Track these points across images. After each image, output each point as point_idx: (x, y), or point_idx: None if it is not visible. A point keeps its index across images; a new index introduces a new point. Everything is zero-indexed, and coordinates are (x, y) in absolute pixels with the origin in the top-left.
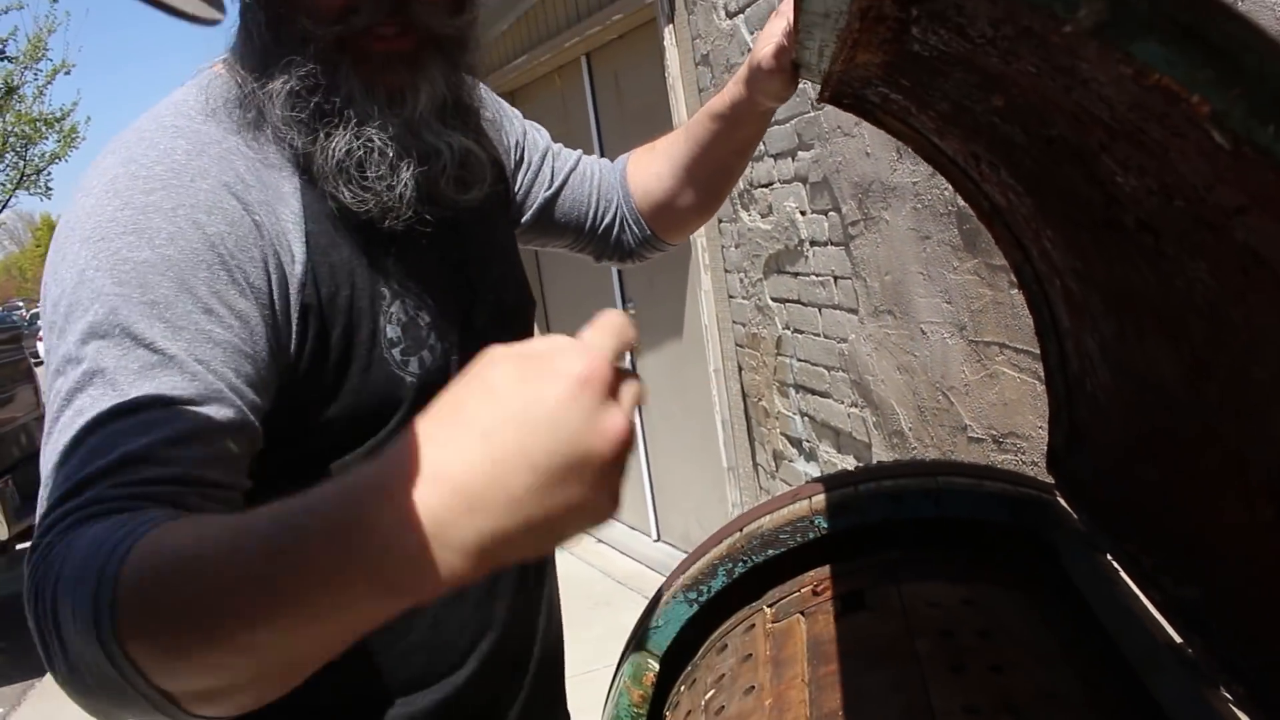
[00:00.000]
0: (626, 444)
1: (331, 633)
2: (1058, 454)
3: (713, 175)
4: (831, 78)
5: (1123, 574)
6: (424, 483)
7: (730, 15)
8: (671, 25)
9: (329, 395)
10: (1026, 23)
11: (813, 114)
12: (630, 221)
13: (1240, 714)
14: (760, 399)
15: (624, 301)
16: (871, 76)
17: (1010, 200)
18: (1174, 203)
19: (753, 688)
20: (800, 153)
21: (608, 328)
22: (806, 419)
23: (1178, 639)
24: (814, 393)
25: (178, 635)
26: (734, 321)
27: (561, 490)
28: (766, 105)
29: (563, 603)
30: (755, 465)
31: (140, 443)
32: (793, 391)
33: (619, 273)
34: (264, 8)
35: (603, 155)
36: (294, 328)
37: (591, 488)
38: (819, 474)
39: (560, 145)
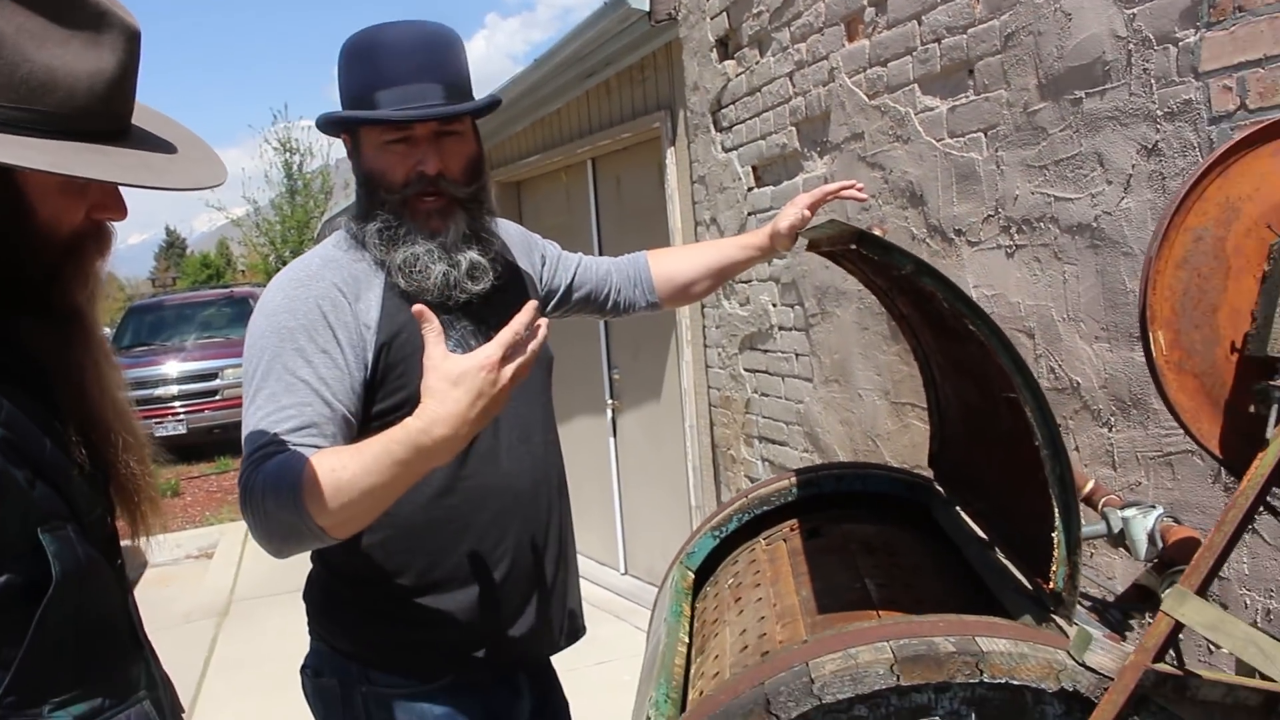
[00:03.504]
0: (500, 383)
1: (398, 494)
2: (934, 456)
3: (722, 278)
4: (822, 250)
5: (962, 514)
6: (432, 421)
7: (726, 150)
8: (673, 148)
9: (393, 394)
10: (893, 272)
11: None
12: (645, 291)
13: (1004, 559)
14: (729, 448)
15: (610, 367)
16: (841, 255)
17: (908, 312)
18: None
19: (758, 571)
20: (775, 260)
21: (500, 341)
22: (767, 463)
23: (981, 534)
24: (774, 442)
25: (335, 499)
26: (710, 386)
27: (473, 405)
28: (777, 251)
29: None
30: (719, 502)
31: (287, 426)
32: (756, 442)
33: (607, 344)
34: (362, 185)
35: (600, 244)
36: (370, 356)
37: (484, 414)
38: None
39: (566, 252)
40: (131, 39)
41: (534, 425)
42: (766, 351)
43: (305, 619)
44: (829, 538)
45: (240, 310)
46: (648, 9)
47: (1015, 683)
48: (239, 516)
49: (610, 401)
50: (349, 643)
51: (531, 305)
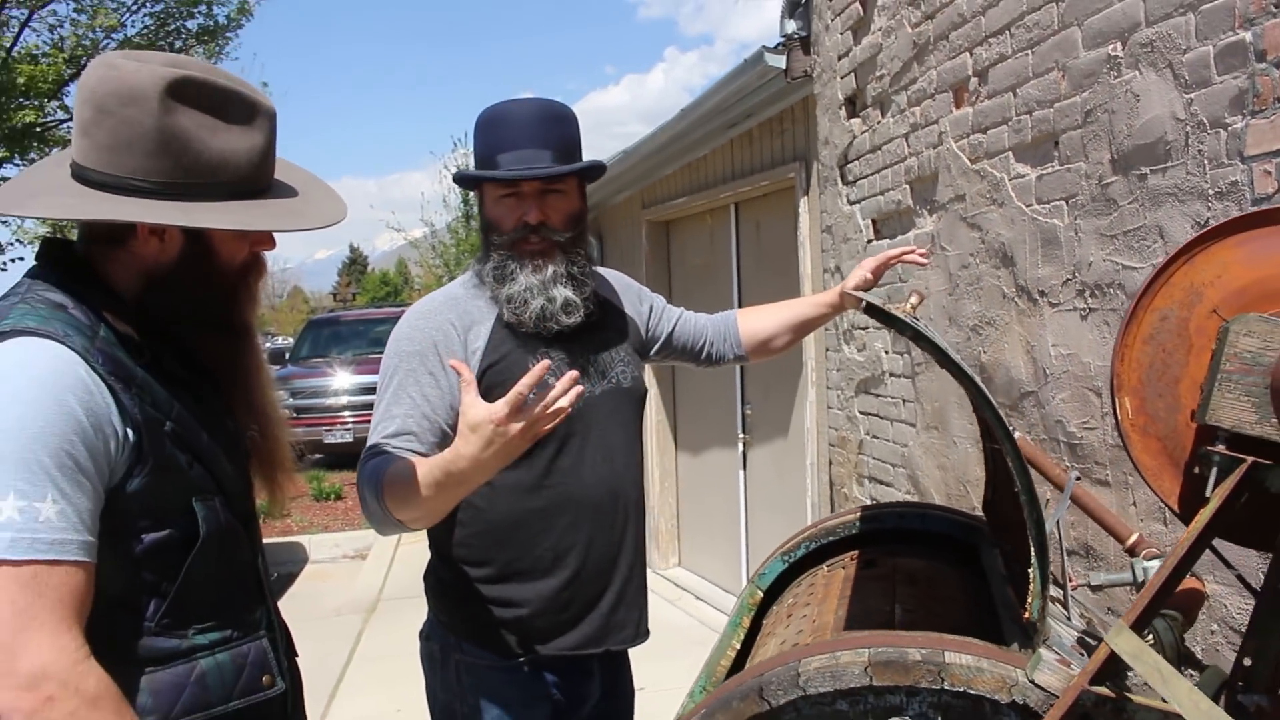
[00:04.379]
0: (509, 435)
1: (450, 504)
2: (987, 502)
3: (801, 332)
4: (873, 312)
5: (998, 553)
6: (457, 456)
7: (850, 203)
8: (806, 198)
9: None
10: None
11: (898, 284)
12: (733, 345)
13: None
14: (843, 486)
15: (744, 403)
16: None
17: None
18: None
19: (813, 592)
20: None
21: (507, 401)
22: (874, 501)
23: (1003, 570)
24: (881, 483)
25: (403, 503)
26: (829, 427)
27: (487, 456)
28: (846, 308)
29: (667, 644)
30: None
31: (391, 429)
32: (867, 481)
33: (741, 382)
34: (482, 232)
35: (740, 285)
36: (481, 379)
37: (496, 457)
38: None
39: (670, 306)
40: (272, 119)
41: (617, 448)
42: (878, 396)
43: None
44: (881, 568)
45: None
46: (784, 67)
47: (973, 692)
48: None
49: (742, 436)
50: (448, 617)
51: (541, 368)
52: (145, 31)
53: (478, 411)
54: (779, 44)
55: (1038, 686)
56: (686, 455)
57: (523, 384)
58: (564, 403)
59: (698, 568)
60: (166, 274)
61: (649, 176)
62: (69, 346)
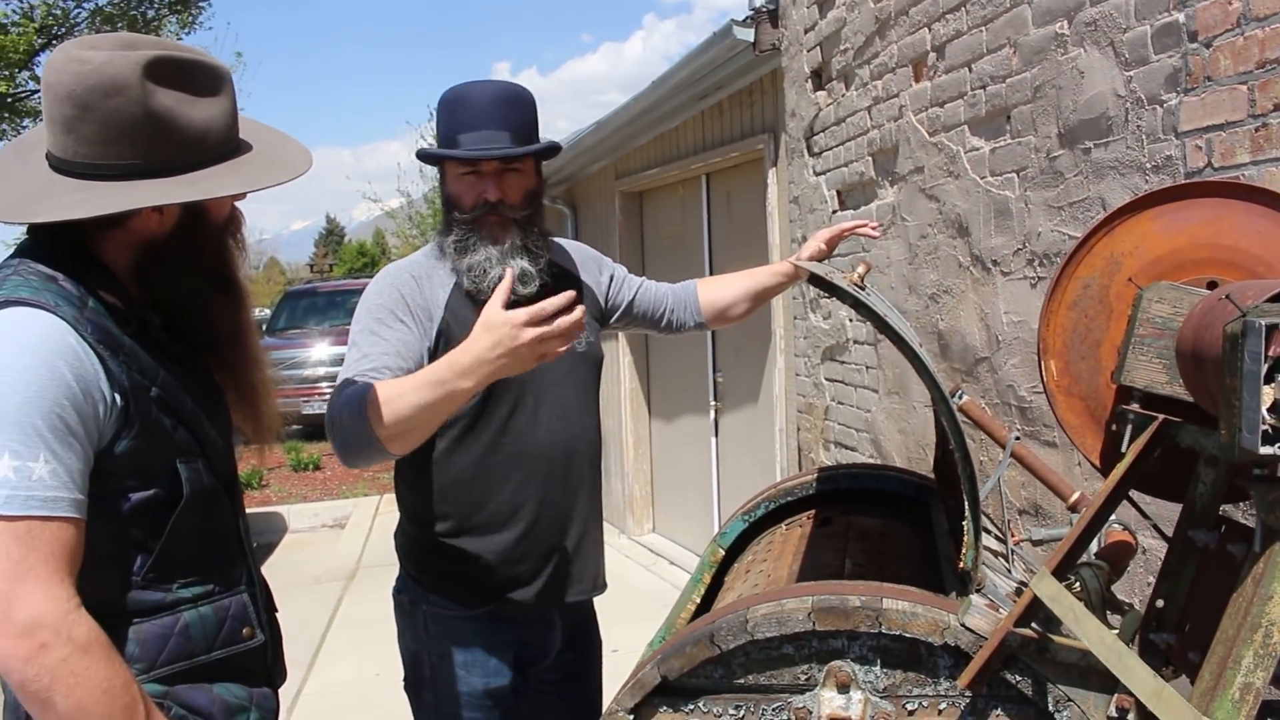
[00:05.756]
0: (519, 339)
1: (439, 415)
2: (937, 462)
3: (759, 301)
4: (817, 281)
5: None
6: (463, 352)
7: (816, 174)
8: (775, 169)
9: None
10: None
11: (862, 254)
12: (693, 313)
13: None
14: (810, 452)
15: (715, 371)
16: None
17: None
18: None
19: (770, 549)
20: None
21: (529, 310)
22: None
23: (947, 526)
24: (846, 448)
25: (387, 413)
26: (797, 393)
27: (492, 356)
28: (800, 278)
29: (641, 608)
30: None
31: (366, 366)
32: (833, 446)
33: (713, 350)
34: (444, 207)
35: (711, 254)
36: (435, 330)
37: (498, 359)
38: None
39: (632, 275)
40: (231, 81)
41: (573, 408)
42: (843, 363)
43: None
44: (836, 525)
45: None
46: (752, 40)
47: (909, 635)
48: (372, 491)
49: (713, 403)
50: (415, 570)
51: (569, 294)
52: (117, 1)
53: (496, 312)
54: (748, 17)
55: (968, 629)
56: (660, 422)
57: (550, 302)
58: (570, 323)
59: (671, 533)
60: (163, 244)
61: (622, 147)
62: (60, 316)
